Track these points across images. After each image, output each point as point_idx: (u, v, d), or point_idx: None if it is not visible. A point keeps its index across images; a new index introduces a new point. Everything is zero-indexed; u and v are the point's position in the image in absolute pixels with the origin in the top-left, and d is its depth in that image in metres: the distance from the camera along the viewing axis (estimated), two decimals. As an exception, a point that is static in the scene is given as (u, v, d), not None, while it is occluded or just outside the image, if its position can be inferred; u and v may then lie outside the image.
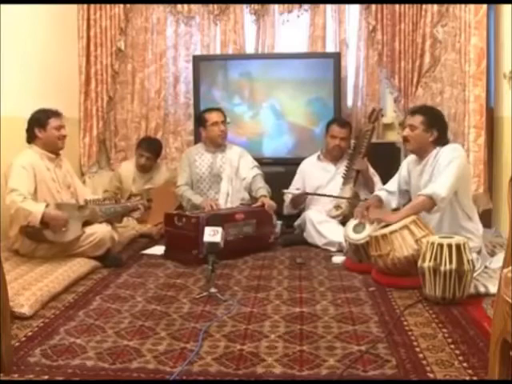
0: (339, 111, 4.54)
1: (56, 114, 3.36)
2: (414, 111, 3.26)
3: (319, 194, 3.99)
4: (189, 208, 3.96)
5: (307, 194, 4.03)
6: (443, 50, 4.49)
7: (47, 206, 3.10)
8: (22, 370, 1.97)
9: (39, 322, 2.43)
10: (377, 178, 3.97)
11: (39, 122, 3.31)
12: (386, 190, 3.46)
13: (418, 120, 3.16)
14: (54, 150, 3.36)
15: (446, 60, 4.46)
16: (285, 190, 4.03)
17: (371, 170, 3.99)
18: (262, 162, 4.28)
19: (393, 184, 3.46)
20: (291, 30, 4.87)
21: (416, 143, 3.18)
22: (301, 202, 4.05)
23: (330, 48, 4.81)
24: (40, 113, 3.34)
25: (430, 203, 2.98)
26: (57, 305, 2.66)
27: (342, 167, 4.01)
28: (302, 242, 3.92)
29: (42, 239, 3.15)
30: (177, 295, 2.82)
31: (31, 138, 3.34)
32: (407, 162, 3.40)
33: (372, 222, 3.21)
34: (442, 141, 3.16)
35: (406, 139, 3.21)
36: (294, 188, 4.11)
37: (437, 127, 3.16)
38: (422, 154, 3.21)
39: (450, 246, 2.59)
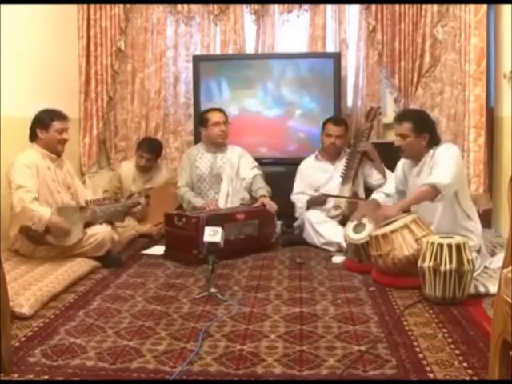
0: (339, 111, 4.54)
1: (61, 116, 3.34)
2: (400, 119, 3.22)
3: (336, 196, 3.92)
4: (189, 209, 3.96)
5: (327, 196, 3.94)
6: (443, 50, 4.50)
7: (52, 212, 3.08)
8: (22, 370, 1.97)
9: (39, 321, 2.44)
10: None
11: (42, 122, 3.30)
12: (384, 193, 3.46)
13: (406, 128, 3.14)
14: (53, 152, 3.36)
15: (446, 60, 4.46)
16: (307, 193, 3.97)
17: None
18: (261, 162, 4.28)
19: (390, 185, 3.47)
20: (291, 30, 4.86)
21: (411, 151, 3.18)
22: (320, 203, 3.97)
23: (330, 48, 4.81)
24: (44, 113, 3.33)
25: (434, 192, 2.97)
26: (57, 305, 2.66)
27: (340, 166, 4.02)
28: (301, 242, 3.92)
29: (42, 242, 3.14)
30: (177, 295, 2.82)
31: (33, 138, 3.34)
32: (403, 163, 3.39)
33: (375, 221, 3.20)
34: (434, 141, 3.16)
35: (399, 148, 3.20)
36: (297, 191, 4.11)
37: (427, 130, 3.14)
38: (417, 158, 3.20)
39: (449, 246, 2.59)
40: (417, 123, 3.14)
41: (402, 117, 3.25)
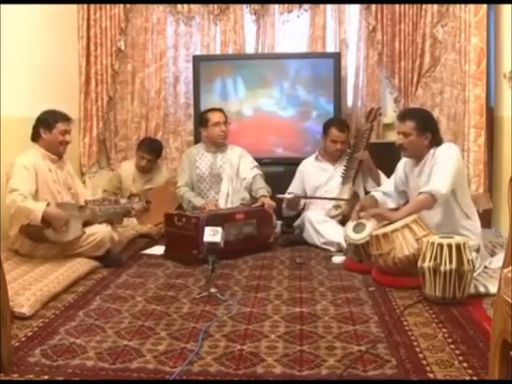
0: (339, 111, 4.54)
1: (65, 118, 3.34)
2: (403, 117, 3.21)
3: (312, 197, 4.02)
4: (189, 209, 3.96)
5: (300, 197, 4.02)
6: (443, 50, 4.50)
7: (48, 204, 3.09)
8: (22, 370, 1.97)
9: (39, 321, 2.44)
10: (379, 171, 3.98)
11: (46, 123, 3.29)
12: (382, 191, 3.46)
13: (409, 126, 3.13)
14: (54, 153, 3.36)
15: (446, 60, 4.46)
16: (278, 195, 3.95)
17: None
18: (261, 162, 4.28)
19: (388, 185, 3.47)
20: (291, 30, 4.87)
21: (413, 149, 3.17)
22: (296, 204, 4.04)
23: (330, 48, 4.81)
24: (49, 114, 3.32)
25: (431, 200, 2.97)
26: (57, 305, 2.66)
27: (341, 167, 4.03)
28: (301, 242, 3.92)
29: (42, 239, 3.14)
30: (177, 295, 2.82)
31: (36, 138, 3.33)
32: (403, 163, 3.38)
33: (371, 216, 3.20)
34: (436, 141, 3.16)
35: (401, 147, 3.20)
36: (291, 190, 4.10)
37: (430, 129, 3.14)
38: (419, 157, 3.20)
39: (449, 246, 2.59)
40: (420, 122, 3.14)
41: (405, 115, 3.25)
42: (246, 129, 4.60)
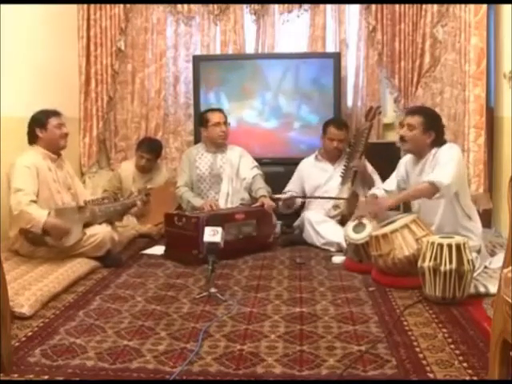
0: (339, 111, 4.54)
1: (55, 113, 3.36)
2: (414, 111, 3.28)
3: (308, 197, 4.03)
4: (188, 209, 3.96)
5: (296, 197, 4.05)
6: (443, 50, 4.50)
7: (49, 213, 3.07)
8: (21, 370, 1.97)
9: (39, 321, 2.44)
10: (376, 176, 3.96)
11: (40, 122, 3.31)
12: (384, 189, 3.47)
13: (417, 120, 3.17)
14: (56, 149, 3.36)
15: (446, 60, 4.47)
16: (274, 196, 4.00)
17: (370, 168, 4.00)
18: (261, 162, 4.28)
19: (391, 183, 3.47)
20: (291, 30, 4.87)
21: (413, 143, 3.19)
22: (292, 203, 4.06)
23: (330, 48, 4.81)
24: (39, 113, 3.35)
25: (433, 190, 3.00)
26: (57, 305, 2.66)
27: (340, 166, 4.03)
28: (301, 242, 3.92)
29: (42, 243, 3.14)
30: (177, 295, 2.82)
31: (33, 139, 3.34)
32: (405, 162, 3.40)
33: (373, 218, 3.21)
34: (438, 142, 3.18)
35: (402, 139, 3.22)
36: (288, 189, 4.14)
37: (435, 129, 3.18)
38: (418, 154, 3.23)
39: (449, 246, 2.59)
40: (428, 119, 3.18)
41: (415, 110, 3.34)
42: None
